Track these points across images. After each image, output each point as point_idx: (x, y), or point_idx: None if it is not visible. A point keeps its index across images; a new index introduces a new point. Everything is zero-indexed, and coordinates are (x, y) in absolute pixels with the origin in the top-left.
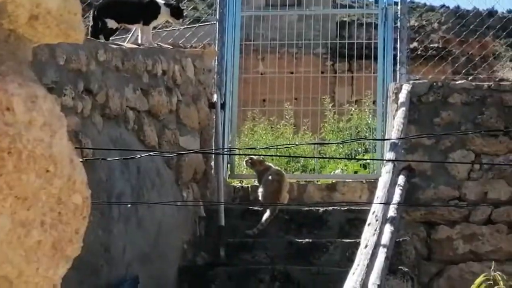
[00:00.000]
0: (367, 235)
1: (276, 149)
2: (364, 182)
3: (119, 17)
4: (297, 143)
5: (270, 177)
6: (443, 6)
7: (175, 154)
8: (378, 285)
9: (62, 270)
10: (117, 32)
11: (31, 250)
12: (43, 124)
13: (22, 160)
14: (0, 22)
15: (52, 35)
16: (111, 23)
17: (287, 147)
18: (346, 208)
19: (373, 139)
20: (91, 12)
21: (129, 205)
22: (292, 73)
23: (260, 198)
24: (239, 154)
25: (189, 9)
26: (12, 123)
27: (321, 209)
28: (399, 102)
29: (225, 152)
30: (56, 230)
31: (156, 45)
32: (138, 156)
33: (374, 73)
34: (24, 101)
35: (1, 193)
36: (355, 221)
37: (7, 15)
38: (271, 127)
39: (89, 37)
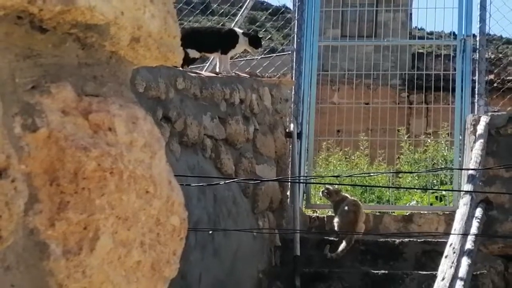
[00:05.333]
0: (444, 268)
1: (351, 178)
2: (440, 214)
3: (200, 47)
4: (373, 172)
5: (346, 208)
6: None
7: (259, 181)
8: None
9: None
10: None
11: (131, 270)
12: (144, 145)
13: (123, 181)
14: (103, 44)
15: (152, 58)
16: (193, 53)
17: (365, 176)
18: (422, 239)
19: (452, 168)
20: None
21: (210, 232)
22: (367, 103)
23: (336, 228)
24: (319, 183)
25: (266, 39)
26: (114, 144)
27: (397, 241)
28: (477, 134)
29: (308, 181)
30: (155, 251)
31: (234, 74)
32: (222, 182)
33: (451, 104)
34: (125, 122)
35: (104, 213)
36: (431, 253)
37: (109, 37)
38: (346, 158)
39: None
